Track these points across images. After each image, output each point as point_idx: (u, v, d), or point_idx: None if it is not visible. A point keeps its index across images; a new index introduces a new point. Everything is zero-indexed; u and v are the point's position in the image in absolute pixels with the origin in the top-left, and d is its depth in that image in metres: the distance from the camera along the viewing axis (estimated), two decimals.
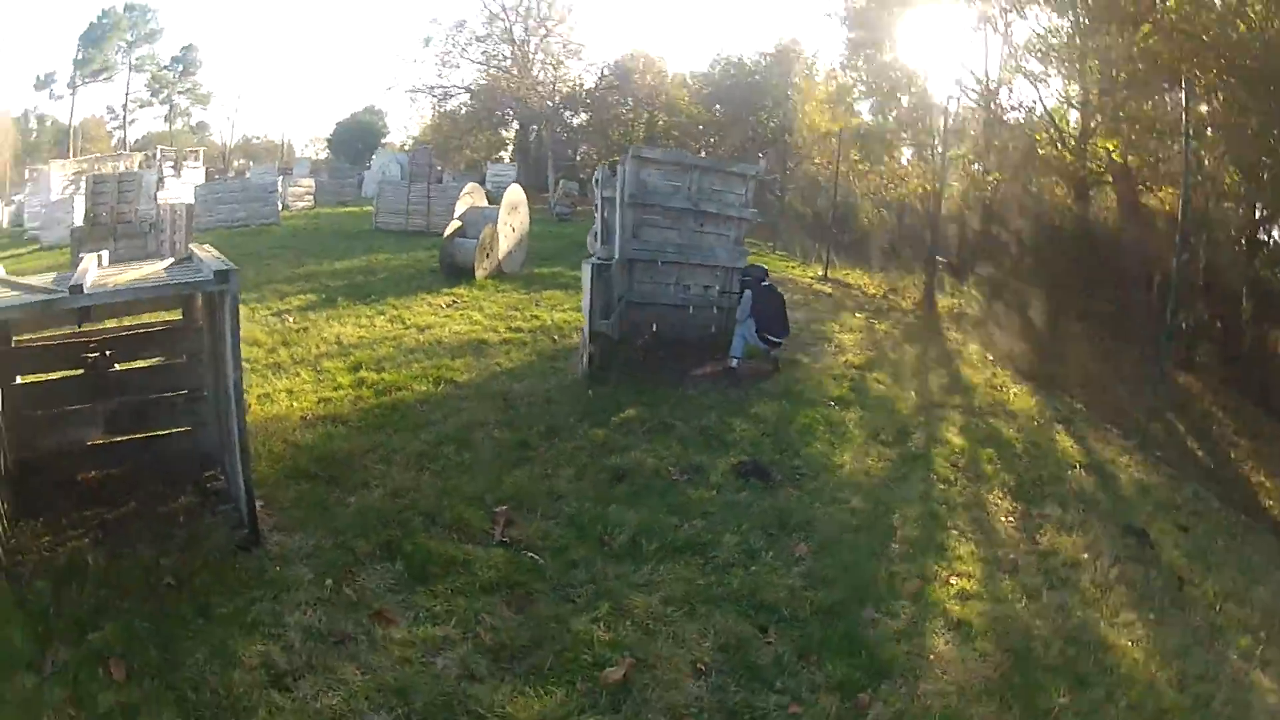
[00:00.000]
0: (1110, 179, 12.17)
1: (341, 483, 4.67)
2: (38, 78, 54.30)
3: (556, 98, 36.41)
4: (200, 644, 3.12)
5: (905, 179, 16.02)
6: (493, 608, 3.49)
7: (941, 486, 5.58)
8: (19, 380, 4.07)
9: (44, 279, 3.73)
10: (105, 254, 4.33)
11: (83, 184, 13.98)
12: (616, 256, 7.84)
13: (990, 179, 14.11)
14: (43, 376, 4.22)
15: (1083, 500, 5.85)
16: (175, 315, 4.63)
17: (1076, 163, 12.28)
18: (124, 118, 54.07)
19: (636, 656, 3.21)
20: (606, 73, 36.79)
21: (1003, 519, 5.28)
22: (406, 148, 38.67)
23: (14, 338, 4.08)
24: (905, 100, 16.57)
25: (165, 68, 55.98)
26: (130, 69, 54.59)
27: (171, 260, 4.39)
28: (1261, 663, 4.13)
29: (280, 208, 19.28)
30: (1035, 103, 13.86)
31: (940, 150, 13.66)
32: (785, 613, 3.66)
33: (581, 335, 7.38)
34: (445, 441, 5.39)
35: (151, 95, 55.44)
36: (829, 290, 13.83)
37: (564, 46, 36.85)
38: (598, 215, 9.01)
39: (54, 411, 4.22)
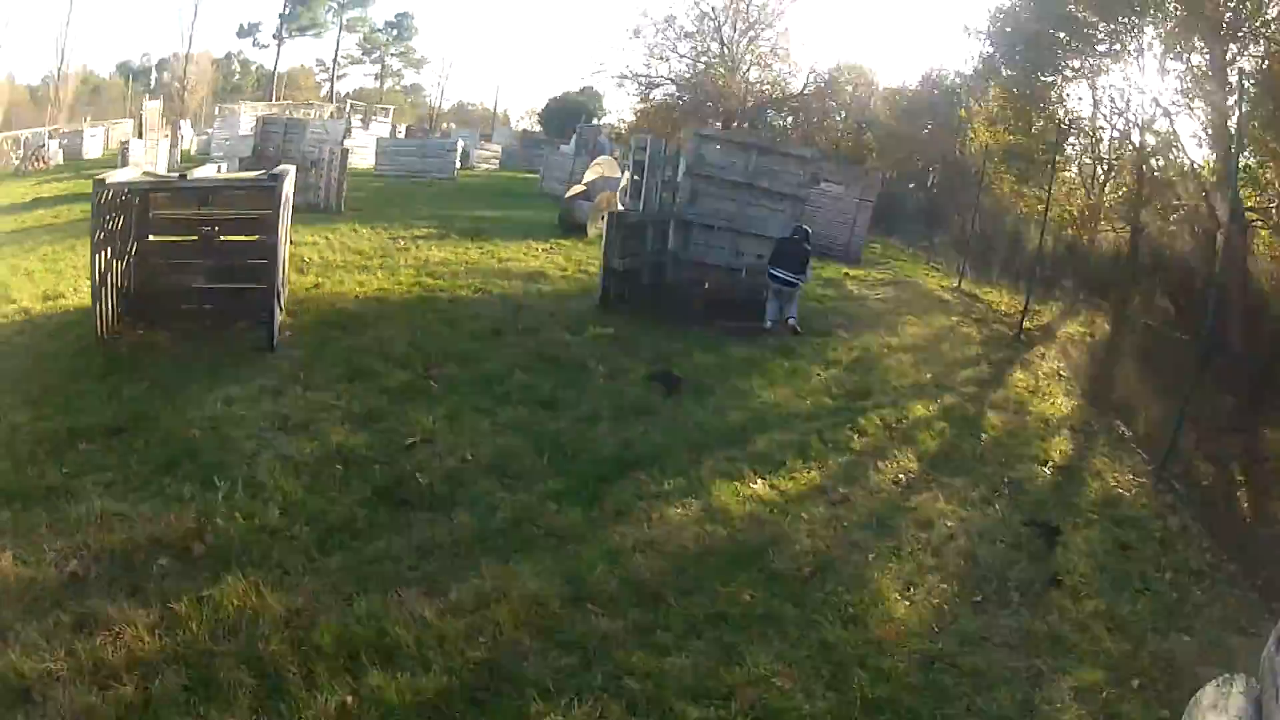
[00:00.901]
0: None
1: (349, 331, 6.82)
2: (241, 25, 61.26)
3: (756, 99, 37.64)
4: (199, 380, 5.40)
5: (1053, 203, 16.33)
6: (377, 397, 5.35)
7: (850, 433, 6.08)
8: (151, 238, 6.58)
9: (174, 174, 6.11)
10: (225, 165, 6.74)
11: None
12: (642, 211, 9.39)
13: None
14: (168, 238, 6.71)
15: (1013, 489, 5.73)
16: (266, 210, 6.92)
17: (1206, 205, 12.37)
18: (333, 72, 59.63)
19: (436, 435, 4.89)
20: (813, 79, 37.58)
21: (887, 473, 5.55)
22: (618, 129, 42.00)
23: (151, 210, 6.58)
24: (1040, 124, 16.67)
25: (378, 30, 61.10)
26: (341, 28, 59.69)
27: (262, 172, 6.69)
28: (1105, 713, 3.48)
29: (458, 166, 22.59)
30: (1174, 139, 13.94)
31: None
32: (566, 447, 5.00)
33: (600, 271, 9.03)
34: (440, 323, 7.34)
35: (363, 54, 60.83)
36: (948, 297, 14.31)
37: (772, 50, 37.84)
38: (628, 175, 10.55)
39: (172, 261, 6.68)
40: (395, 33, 62.28)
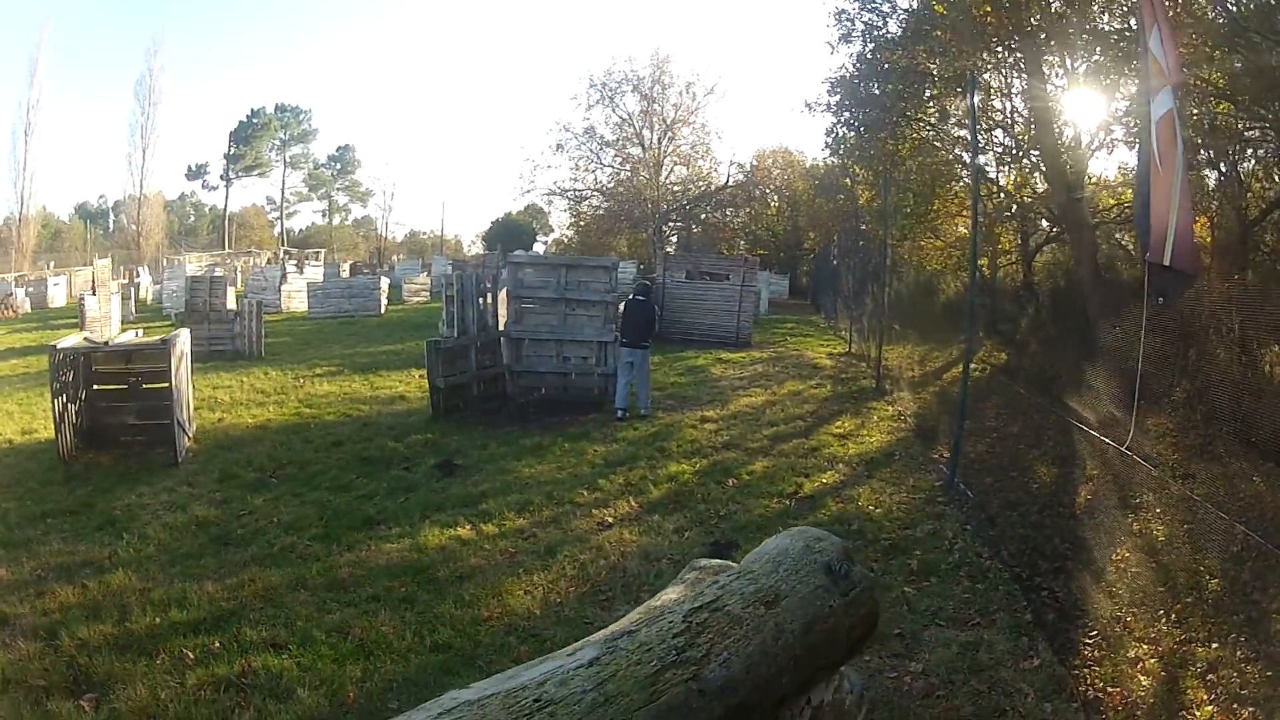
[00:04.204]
0: None
1: (232, 450, 10.13)
2: (189, 167, 65.19)
3: (681, 198, 40.39)
4: (125, 483, 8.75)
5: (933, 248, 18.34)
6: (232, 490, 8.60)
7: (582, 491, 8.06)
8: (95, 387, 9.95)
9: (108, 339, 9.57)
10: (140, 331, 10.23)
11: (216, 271, 21.61)
12: (457, 336, 12.07)
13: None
14: (107, 387, 10.08)
15: (723, 520, 7.19)
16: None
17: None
18: (282, 210, 63.24)
19: (258, 509, 8.04)
20: (735, 170, 41.11)
21: (595, 518, 7.32)
22: (557, 245, 45.17)
23: (94, 365, 9.95)
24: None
25: (321, 166, 65.34)
26: (286, 165, 63.92)
27: (164, 337, 10.13)
28: None
29: (385, 303, 26.15)
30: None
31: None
32: (339, 513, 7.81)
33: (430, 390, 11.95)
34: (299, 440, 10.58)
35: (310, 191, 64.61)
36: (826, 363, 16.45)
37: (692, 147, 41.06)
38: (444, 307, 13.14)
39: (111, 404, 10.03)
40: (339, 167, 65.95)
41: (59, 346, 9.23)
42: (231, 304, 17.68)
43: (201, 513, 7.93)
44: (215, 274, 21.61)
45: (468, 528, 7.19)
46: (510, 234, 49.90)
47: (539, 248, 52.32)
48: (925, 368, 15.15)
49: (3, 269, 39.14)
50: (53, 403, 9.18)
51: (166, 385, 9.48)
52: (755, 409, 12.05)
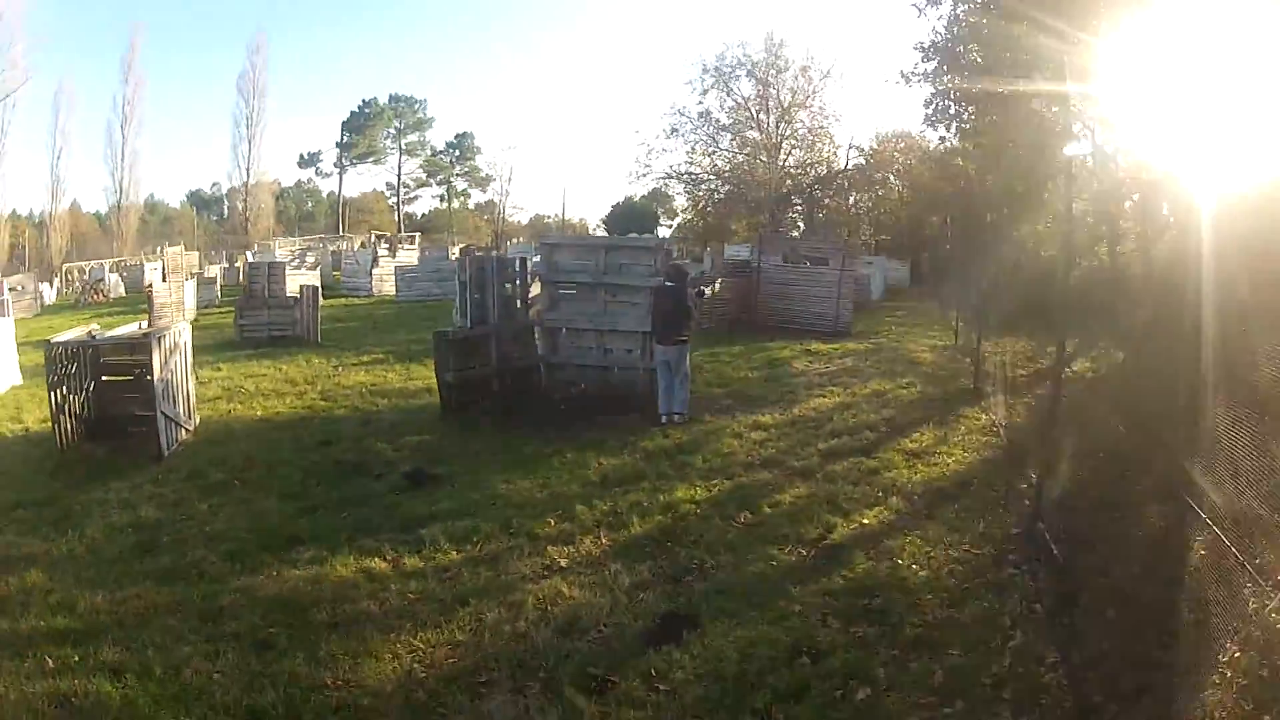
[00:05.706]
0: None
1: (219, 445, 10.46)
2: (301, 155, 67.42)
3: (799, 181, 39.47)
4: (102, 476, 9.16)
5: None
6: (191, 490, 8.75)
7: (551, 519, 7.18)
8: (104, 377, 10.63)
9: (113, 331, 10.22)
10: (145, 322, 10.86)
11: (307, 256, 22.61)
12: (470, 327, 11.63)
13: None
14: (114, 378, 10.75)
15: (699, 574, 6.06)
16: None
17: None
18: (399, 196, 64.81)
19: (198, 514, 8.11)
20: (853, 154, 39.87)
21: (548, 556, 6.43)
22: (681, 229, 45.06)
23: (102, 358, 10.60)
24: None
25: (439, 153, 66.53)
26: (401, 153, 65.20)
27: (150, 329, 10.66)
28: None
29: None
30: None
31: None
32: (272, 524, 7.71)
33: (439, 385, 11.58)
34: (288, 438, 10.65)
35: (428, 177, 66.03)
36: (926, 357, 15.24)
37: (810, 130, 40.27)
38: (457, 296, 12.49)
39: (121, 395, 10.69)
40: (457, 153, 67.61)
41: (54, 341, 9.89)
42: (294, 290, 18.62)
43: (146, 514, 8.09)
44: (273, 260, 22.66)
45: (389, 558, 6.53)
46: (631, 217, 49.93)
47: (663, 231, 52.28)
48: (1034, 365, 13.23)
49: (107, 256, 42.69)
50: (50, 395, 9.82)
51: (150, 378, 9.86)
52: (823, 413, 10.92)
